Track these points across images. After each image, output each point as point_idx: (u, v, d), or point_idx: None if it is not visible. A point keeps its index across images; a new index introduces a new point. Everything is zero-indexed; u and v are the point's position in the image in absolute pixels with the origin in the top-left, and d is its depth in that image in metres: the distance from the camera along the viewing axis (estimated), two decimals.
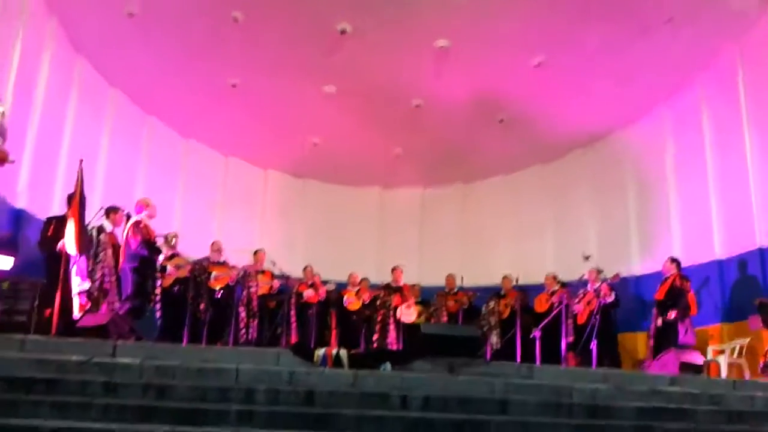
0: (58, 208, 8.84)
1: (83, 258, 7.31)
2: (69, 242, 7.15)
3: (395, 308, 10.73)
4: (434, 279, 12.04)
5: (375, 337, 10.58)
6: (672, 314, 8.53)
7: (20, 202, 8.77)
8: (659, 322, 8.74)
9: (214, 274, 9.57)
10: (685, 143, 10.95)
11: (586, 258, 9.22)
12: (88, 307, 7.24)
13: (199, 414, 4.65)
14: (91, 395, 4.68)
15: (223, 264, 9.73)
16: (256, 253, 10.51)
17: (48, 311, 6.97)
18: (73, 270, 7.20)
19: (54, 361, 5.11)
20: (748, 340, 8.90)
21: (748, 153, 9.57)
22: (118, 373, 5.09)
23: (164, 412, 4.58)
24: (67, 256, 7.17)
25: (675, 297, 8.71)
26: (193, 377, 5.18)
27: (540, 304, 10.66)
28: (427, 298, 11.73)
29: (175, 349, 5.93)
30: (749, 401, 6.10)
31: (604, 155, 12.67)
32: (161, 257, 8.64)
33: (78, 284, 7.21)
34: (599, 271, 9.68)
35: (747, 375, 8.58)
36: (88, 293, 7.37)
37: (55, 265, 7.26)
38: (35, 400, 4.52)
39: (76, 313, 7.13)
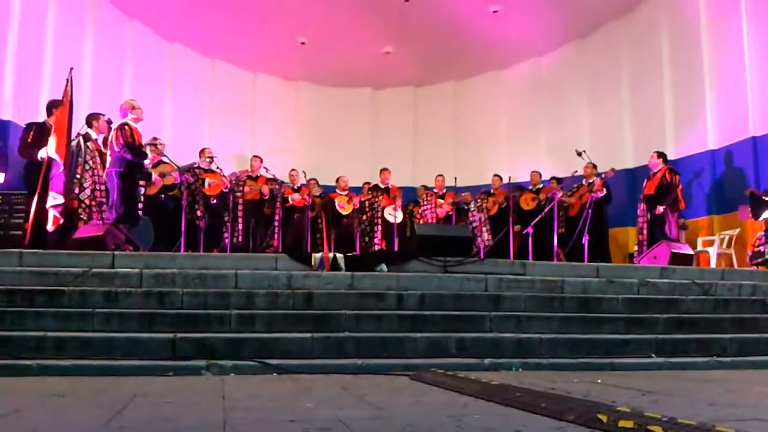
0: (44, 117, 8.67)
1: (62, 171, 6.93)
2: (52, 151, 6.87)
3: (383, 209, 10.75)
4: (428, 179, 12.03)
5: (367, 238, 10.64)
6: (659, 209, 8.57)
7: (5, 114, 8.60)
8: (648, 216, 8.81)
9: (207, 181, 9.51)
10: (680, 32, 10.69)
11: (579, 153, 9.21)
12: (61, 222, 6.87)
13: (201, 319, 4.77)
14: (92, 305, 4.77)
15: (215, 171, 9.65)
16: (251, 159, 10.47)
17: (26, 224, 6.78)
18: (51, 182, 6.84)
19: (53, 273, 5.17)
20: (737, 230, 9.04)
21: (745, 40, 9.40)
22: (118, 283, 5.17)
23: (166, 319, 4.70)
24: (49, 166, 6.89)
25: (665, 192, 8.73)
26: (193, 284, 5.26)
27: (526, 203, 10.72)
28: (411, 199, 11.85)
29: (174, 257, 5.97)
30: (736, 290, 6.27)
31: (598, 47, 12.40)
32: (146, 162, 8.27)
33: (53, 198, 6.83)
34: (594, 166, 9.70)
35: (735, 265, 8.77)
36: (66, 204, 7.05)
37: (33, 174, 6.97)
38: (38, 311, 4.61)
39: (50, 227, 6.82)
